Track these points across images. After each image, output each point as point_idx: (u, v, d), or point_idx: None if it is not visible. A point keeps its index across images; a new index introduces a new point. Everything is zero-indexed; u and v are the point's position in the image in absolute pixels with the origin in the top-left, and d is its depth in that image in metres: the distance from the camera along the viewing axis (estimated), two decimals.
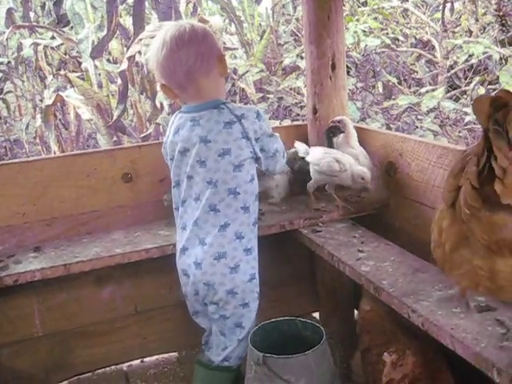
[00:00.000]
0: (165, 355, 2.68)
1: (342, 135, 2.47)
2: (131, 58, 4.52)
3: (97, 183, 2.35)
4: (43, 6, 7.00)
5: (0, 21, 7.10)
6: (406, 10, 5.73)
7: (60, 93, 5.09)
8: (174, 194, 2.04)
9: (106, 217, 2.37)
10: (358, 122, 4.54)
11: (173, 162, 2.01)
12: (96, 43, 4.85)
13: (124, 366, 2.60)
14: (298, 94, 5.38)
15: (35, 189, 2.24)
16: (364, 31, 4.79)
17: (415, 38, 5.73)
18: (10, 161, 2.40)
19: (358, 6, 5.52)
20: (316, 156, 2.33)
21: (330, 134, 2.48)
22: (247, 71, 5.33)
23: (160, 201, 2.37)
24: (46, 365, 2.45)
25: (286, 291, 2.75)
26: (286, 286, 2.76)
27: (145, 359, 2.66)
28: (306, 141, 2.67)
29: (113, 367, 2.59)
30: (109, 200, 2.37)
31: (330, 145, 2.46)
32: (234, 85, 6.20)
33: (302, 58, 5.14)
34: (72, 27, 6.52)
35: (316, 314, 2.89)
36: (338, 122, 2.45)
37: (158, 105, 4.90)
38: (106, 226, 2.34)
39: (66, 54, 6.80)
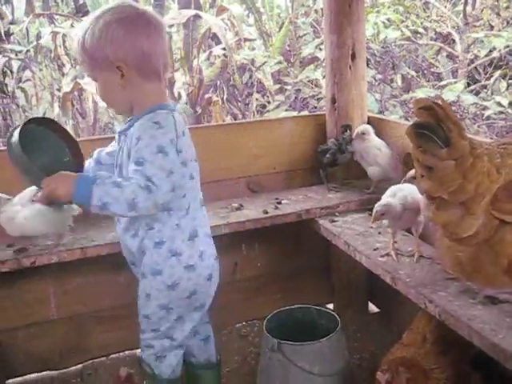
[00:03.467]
0: None
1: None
2: None
3: None
4: None
5: (20, 9, 7.16)
6: (427, 2, 5.67)
7: (78, 80, 5.11)
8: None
9: None
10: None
11: (185, 167, 1.75)
12: None
13: (138, 352, 2.61)
14: (315, 86, 5.36)
15: None
16: (384, 23, 4.75)
17: (435, 32, 5.67)
18: None
19: None
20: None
21: (344, 131, 2.48)
22: (265, 62, 5.32)
23: None
24: (61, 348, 2.47)
25: (300, 281, 2.75)
26: (300, 276, 2.76)
27: None
28: (323, 131, 2.67)
29: (127, 352, 2.60)
30: None
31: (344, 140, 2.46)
32: (251, 76, 6.19)
33: (320, 49, 5.12)
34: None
35: (330, 306, 2.88)
36: (363, 133, 2.42)
37: (176, 94, 4.91)
38: None
39: None
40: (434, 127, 1.30)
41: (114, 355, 2.58)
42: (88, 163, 1.88)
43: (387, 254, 1.91)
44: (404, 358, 1.69)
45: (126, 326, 2.52)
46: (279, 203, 2.38)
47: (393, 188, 1.97)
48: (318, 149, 2.52)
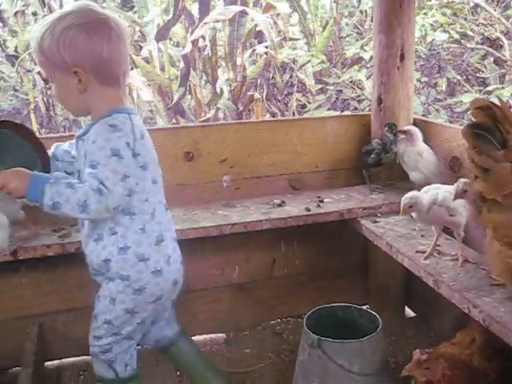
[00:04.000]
0: (212, 335, 2.70)
1: (405, 138, 2.44)
2: (195, 42, 4.57)
3: (159, 160, 2.38)
4: None
5: (68, 4, 7.30)
6: (476, 5, 5.55)
7: None
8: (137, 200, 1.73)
9: (166, 194, 2.40)
10: None
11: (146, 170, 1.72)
12: (161, 26, 4.92)
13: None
14: (357, 87, 5.33)
15: None
16: (432, 25, 4.68)
17: (483, 35, 5.56)
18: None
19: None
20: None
21: (388, 130, 2.46)
22: (308, 61, 5.31)
23: (219, 181, 2.40)
24: None
25: (336, 281, 2.74)
26: (337, 276, 2.75)
27: (193, 338, 2.67)
28: (368, 131, 2.65)
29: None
30: (170, 177, 2.39)
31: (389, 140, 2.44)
32: (291, 76, 6.18)
33: (365, 50, 5.09)
34: (135, 11, 6.64)
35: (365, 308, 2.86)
36: (405, 131, 2.41)
37: (218, 90, 4.95)
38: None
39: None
40: (491, 128, 1.29)
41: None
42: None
43: (430, 255, 1.89)
44: (447, 352, 1.68)
45: None
46: (321, 201, 2.38)
47: (430, 186, 1.98)
48: (363, 149, 2.51)
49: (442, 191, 1.90)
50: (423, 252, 1.93)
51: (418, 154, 2.35)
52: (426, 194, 1.91)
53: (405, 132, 2.41)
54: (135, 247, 1.70)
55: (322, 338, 1.68)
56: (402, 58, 2.48)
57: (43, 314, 2.40)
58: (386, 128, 2.46)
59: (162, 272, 1.76)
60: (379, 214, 2.31)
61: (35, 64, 7.92)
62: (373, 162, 2.46)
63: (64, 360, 2.52)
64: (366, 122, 2.67)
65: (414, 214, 1.93)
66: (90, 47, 1.59)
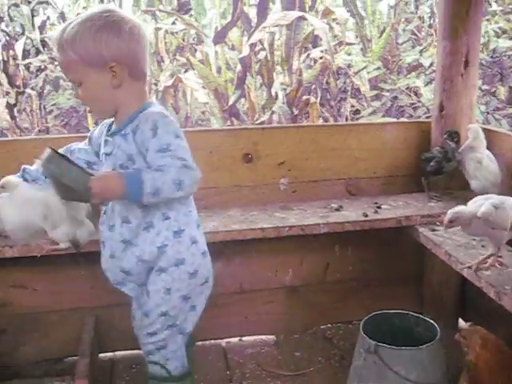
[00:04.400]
0: (263, 337, 2.71)
1: (468, 141, 2.40)
2: (253, 46, 4.61)
3: (218, 161, 2.42)
4: None
5: (127, 5, 7.48)
6: None
7: (180, 75, 5.28)
8: None
9: (223, 194, 2.44)
10: None
11: None
12: (219, 29, 4.98)
13: (223, 342, 2.66)
14: (414, 94, 5.26)
15: None
16: (495, 31, 4.58)
17: None
18: None
19: (490, 5, 5.27)
20: None
21: (448, 137, 2.43)
22: (365, 67, 5.28)
23: (277, 184, 2.42)
24: None
25: (389, 289, 2.71)
26: (390, 283, 2.72)
27: (243, 338, 2.70)
28: (427, 139, 2.62)
29: (212, 341, 2.64)
30: (228, 178, 2.44)
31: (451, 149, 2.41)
32: (345, 81, 6.16)
33: (423, 56, 5.02)
34: (190, 15, 6.75)
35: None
36: (468, 129, 2.38)
37: (274, 94, 4.98)
38: (223, 203, 2.41)
39: (183, 40, 7.05)
40: None
41: (199, 343, 2.62)
42: None
43: (491, 266, 1.85)
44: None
45: (214, 315, 2.59)
46: (379, 208, 2.37)
47: (481, 196, 1.95)
48: (422, 156, 2.48)
49: (487, 203, 1.85)
50: (469, 267, 1.89)
51: (477, 162, 2.32)
52: (471, 206, 1.88)
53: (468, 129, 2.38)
54: (188, 230, 1.75)
55: (379, 343, 1.67)
56: (467, 64, 2.45)
57: (100, 306, 2.46)
58: (446, 135, 2.43)
59: (206, 254, 1.83)
60: (438, 223, 2.27)
61: None
62: (432, 169, 2.43)
63: (117, 353, 2.57)
64: (425, 129, 2.64)
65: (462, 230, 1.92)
66: (125, 42, 1.64)
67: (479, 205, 1.86)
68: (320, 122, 5.56)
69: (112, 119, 1.79)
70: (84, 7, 7.74)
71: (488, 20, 4.87)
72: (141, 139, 1.63)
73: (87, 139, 1.92)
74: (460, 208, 1.87)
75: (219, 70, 5.42)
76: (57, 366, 2.47)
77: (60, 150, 1.86)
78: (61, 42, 1.63)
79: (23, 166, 2.00)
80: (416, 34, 6.34)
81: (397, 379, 1.63)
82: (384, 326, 1.85)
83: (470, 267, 1.86)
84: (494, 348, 1.74)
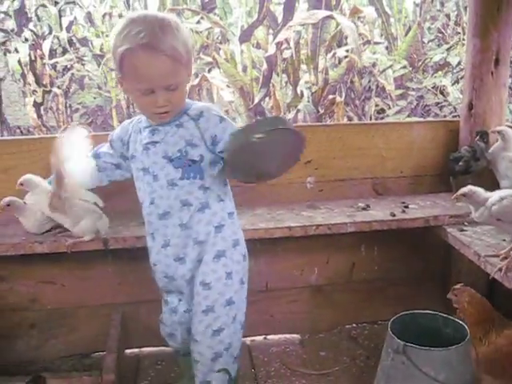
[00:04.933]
0: (287, 335, 2.70)
1: (499, 141, 2.37)
2: (279, 44, 4.61)
3: None
4: None
5: (153, 4, 7.54)
6: None
7: (205, 74, 5.30)
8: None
9: (249, 192, 2.43)
10: None
11: None
12: (245, 28, 4.99)
13: (247, 340, 2.66)
14: (440, 93, 5.21)
15: None
16: None
17: None
18: None
19: None
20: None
21: (479, 139, 2.40)
22: (390, 66, 5.24)
23: (304, 182, 2.42)
24: None
25: (416, 289, 2.69)
26: (416, 284, 2.70)
27: (268, 336, 2.70)
28: (455, 138, 2.60)
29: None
30: None
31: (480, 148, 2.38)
32: (369, 80, 6.12)
33: (450, 55, 4.96)
34: (215, 14, 6.77)
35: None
36: (498, 132, 2.35)
37: (299, 92, 4.97)
38: (249, 202, 2.40)
39: (207, 38, 7.08)
40: None
41: None
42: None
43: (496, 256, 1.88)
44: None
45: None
46: (406, 207, 2.35)
47: (503, 190, 2.01)
48: (450, 156, 2.46)
49: (497, 194, 1.91)
50: (500, 270, 1.86)
51: (509, 161, 2.29)
52: (490, 193, 1.94)
53: (498, 132, 2.34)
54: (235, 213, 1.84)
55: (408, 343, 1.65)
56: (497, 63, 2.42)
57: (126, 303, 2.49)
58: (478, 137, 2.40)
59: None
60: (466, 223, 2.25)
61: None
62: (461, 169, 2.41)
63: (143, 349, 2.60)
64: (453, 128, 2.61)
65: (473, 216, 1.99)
66: (191, 41, 1.70)
67: (491, 195, 1.92)
68: (345, 120, 5.55)
69: (138, 117, 1.83)
70: (111, 6, 7.82)
71: None
72: (206, 126, 1.69)
73: (108, 144, 1.93)
74: (479, 189, 1.93)
75: (245, 69, 5.43)
76: (84, 361, 2.50)
77: (89, 155, 1.92)
78: (163, 46, 1.57)
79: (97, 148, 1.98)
80: (442, 32, 6.27)
81: (425, 380, 1.61)
82: (411, 326, 1.83)
83: (500, 269, 1.84)
84: (478, 304, 1.98)
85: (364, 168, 2.56)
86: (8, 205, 2.06)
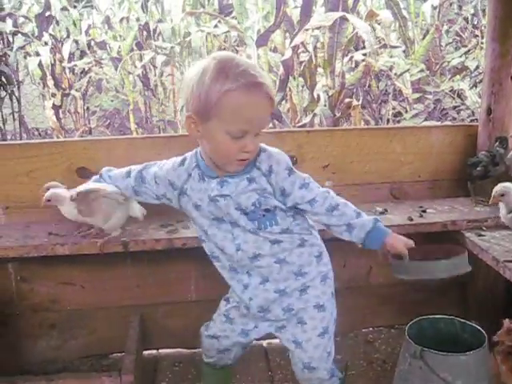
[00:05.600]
0: None
1: None
2: (295, 48, 4.63)
3: None
4: None
5: (177, 7, 7.61)
6: None
7: None
8: None
9: None
10: None
11: None
12: (262, 32, 5.02)
13: (264, 343, 2.67)
14: (458, 97, 5.19)
15: None
16: None
17: None
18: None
19: None
20: None
21: (499, 145, 2.40)
22: (408, 69, 5.23)
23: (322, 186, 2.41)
24: (195, 328, 2.58)
25: (433, 295, 2.68)
26: (433, 288, 2.68)
27: None
28: (473, 143, 2.59)
29: (253, 342, 2.67)
30: None
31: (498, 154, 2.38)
32: (386, 84, 6.11)
33: (468, 58, 4.95)
34: (232, 17, 6.80)
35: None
36: None
37: (316, 96, 4.98)
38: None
39: (224, 41, 7.11)
40: None
41: None
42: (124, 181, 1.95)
43: None
44: None
45: None
46: (424, 212, 2.35)
47: None
48: (468, 161, 2.45)
49: None
50: None
51: None
52: None
53: None
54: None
55: (425, 348, 1.66)
56: None
57: (145, 304, 2.52)
58: (497, 143, 2.40)
59: None
60: (484, 228, 2.25)
61: (135, 67, 8.32)
62: (479, 174, 2.40)
63: (161, 350, 2.62)
64: (472, 132, 2.60)
65: (502, 214, 2.03)
66: None
67: None
68: (361, 124, 5.54)
69: (188, 161, 1.76)
70: (129, 9, 7.90)
71: None
72: (275, 180, 1.66)
73: (158, 168, 1.85)
74: (508, 184, 1.98)
75: None
76: (102, 362, 2.54)
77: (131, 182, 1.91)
78: (268, 87, 1.56)
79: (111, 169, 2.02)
80: (460, 35, 6.25)
81: None
82: (429, 331, 1.84)
83: None
84: None
85: (382, 172, 2.56)
86: (49, 200, 2.07)
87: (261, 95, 1.53)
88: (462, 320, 1.88)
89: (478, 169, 2.39)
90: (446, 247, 1.82)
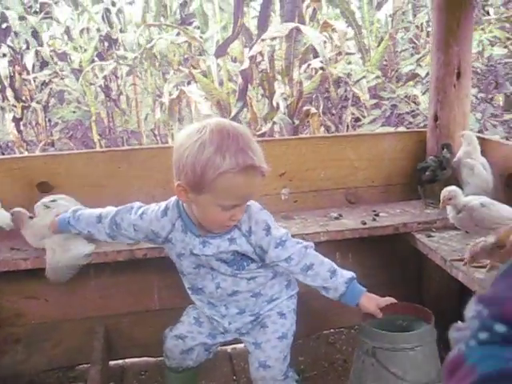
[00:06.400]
0: None
1: (463, 148, 2.48)
2: (253, 58, 4.71)
3: None
4: (166, 6, 7.45)
5: (137, 16, 7.64)
6: None
7: (183, 88, 5.39)
8: None
9: None
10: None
11: None
12: (220, 43, 5.09)
13: (229, 348, 2.72)
14: (413, 102, 5.36)
15: (168, 173, 2.43)
16: (490, 40, 4.66)
17: None
18: (149, 146, 2.62)
19: (483, 15, 5.37)
20: None
21: (444, 149, 2.52)
22: (363, 77, 5.38)
23: (278, 194, 2.50)
24: (160, 337, 2.62)
25: (390, 293, 2.71)
26: (391, 288, 2.74)
27: None
28: (423, 148, 2.70)
29: (218, 348, 2.71)
30: None
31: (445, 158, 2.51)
32: (345, 90, 6.25)
33: (420, 65, 5.11)
34: (194, 27, 6.88)
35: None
36: (462, 136, 2.47)
37: (275, 104, 5.07)
38: None
39: (187, 51, 7.17)
40: None
41: None
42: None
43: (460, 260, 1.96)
44: None
45: None
46: (377, 215, 2.44)
47: (477, 195, 2.17)
48: (418, 166, 2.56)
49: (477, 199, 2.09)
50: (461, 260, 1.98)
51: (470, 168, 2.39)
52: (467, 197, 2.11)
53: (462, 136, 2.46)
54: None
55: (376, 346, 1.74)
56: (459, 75, 2.53)
57: (109, 315, 2.55)
58: (445, 150, 2.51)
59: None
60: (434, 229, 2.35)
61: (97, 77, 8.31)
62: (428, 178, 2.51)
63: (127, 360, 2.64)
64: (422, 138, 2.71)
65: (451, 216, 2.15)
66: None
67: (470, 199, 2.09)
68: (322, 130, 5.67)
69: (170, 210, 1.79)
70: (89, 19, 7.88)
71: (483, 29, 4.96)
72: (255, 240, 1.74)
73: (136, 217, 1.86)
74: (457, 189, 2.11)
75: (221, 83, 5.53)
76: (69, 374, 2.55)
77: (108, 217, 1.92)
78: (262, 164, 1.60)
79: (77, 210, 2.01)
80: (415, 42, 6.43)
81: (394, 380, 1.70)
82: (383, 329, 1.90)
83: (461, 259, 1.95)
84: None
85: (337, 178, 2.64)
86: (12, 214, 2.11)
87: (256, 175, 1.59)
88: (415, 317, 1.96)
89: (427, 173, 2.50)
90: (415, 308, 1.94)
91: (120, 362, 2.64)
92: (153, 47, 6.53)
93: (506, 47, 4.74)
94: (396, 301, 1.87)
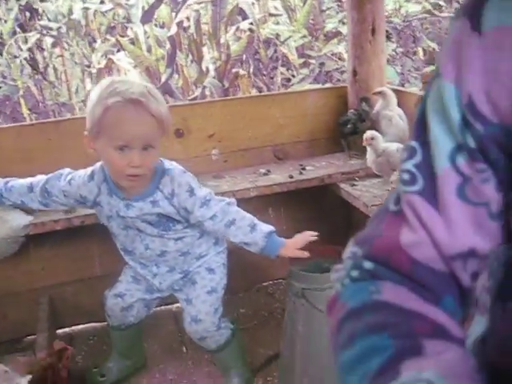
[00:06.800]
0: None
1: (380, 101, 2.61)
2: (180, 24, 4.70)
3: None
4: None
5: None
6: None
7: (111, 56, 5.32)
8: None
9: None
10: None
11: None
12: (146, 9, 5.04)
13: (173, 307, 2.81)
14: (339, 59, 5.48)
15: None
16: None
17: (458, 3, 5.71)
18: (77, 116, 2.63)
19: None
20: None
21: (363, 103, 2.66)
22: (290, 36, 5.45)
23: (209, 155, 2.58)
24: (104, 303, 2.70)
25: (323, 243, 2.92)
26: (323, 238, 2.86)
27: None
28: (345, 103, 2.83)
29: (163, 307, 2.77)
30: (163, 154, 2.55)
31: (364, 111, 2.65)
32: (275, 51, 6.31)
33: (343, 23, 5.23)
34: None
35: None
36: (379, 92, 2.60)
37: (204, 69, 5.09)
38: None
39: (113, 19, 7.01)
40: None
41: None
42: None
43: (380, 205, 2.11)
44: None
45: None
46: (303, 169, 2.57)
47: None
48: (339, 120, 2.69)
49: (395, 145, 2.27)
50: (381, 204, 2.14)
51: (388, 119, 2.54)
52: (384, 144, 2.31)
53: (379, 93, 2.59)
54: None
55: (305, 287, 1.88)
56: (374, 32, 2.65)
57: (52, 285, 2.59)
58: (364, 104, 2.65)
59: None
60: (357, 178, 2.50)
61: (21, 50, 8.01)
62: (349, 131, 2.65)
63: (74, 327, 2.70)
64: (342, 93, 2.84)
65: (370, 160, 2.33)
66: None
67: (390, 145, 2.30)
68: (253, 91, 5.73)
69: (97, 174, 1.87)
70: None
71: None
72: (178, 201, 1.82)
73: (65, 183, 1.93)
74: (378, 134, 2.32)
75: (150, 49, 5.48)
76: (16, 346, 2.58)
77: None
78: (151, 106, 1.65)
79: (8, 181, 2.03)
80: (340, 0, 6.52)
81: (322, 317, 1.84)
82: (314, 271, 2.02)
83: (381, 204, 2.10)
84: None
85: (264, 137, 2.74)
86: None
87: (142, 112, 1.63)
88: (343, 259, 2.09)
89: (348, 126, 2.64)
90: (338, 250, 2.05)
91: (67, 330, 2.69)
92: (76, 17, 6.36)
93: (420, 3, 4.91)
94: (312, 233, 2.02)
